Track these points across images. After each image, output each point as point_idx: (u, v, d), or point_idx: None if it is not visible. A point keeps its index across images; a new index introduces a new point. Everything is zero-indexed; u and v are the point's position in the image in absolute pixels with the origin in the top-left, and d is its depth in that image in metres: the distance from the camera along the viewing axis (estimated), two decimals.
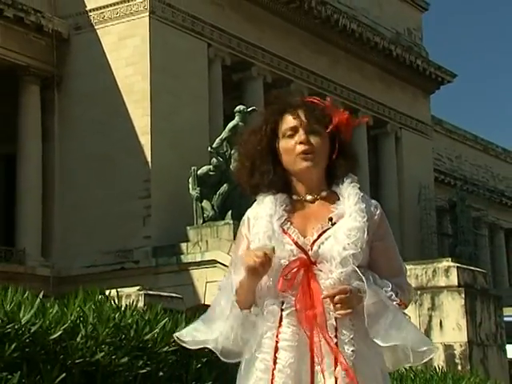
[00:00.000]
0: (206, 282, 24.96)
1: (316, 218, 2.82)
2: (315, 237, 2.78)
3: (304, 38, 34.47)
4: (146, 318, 4.13)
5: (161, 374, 3.99)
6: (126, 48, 28.85)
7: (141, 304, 4.51)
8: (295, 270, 2.72)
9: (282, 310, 2.73)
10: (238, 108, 27.68)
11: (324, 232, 2.78)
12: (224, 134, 27.36)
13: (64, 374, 3.49)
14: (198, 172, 27.04)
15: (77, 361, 3.61)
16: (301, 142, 2.82)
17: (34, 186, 29.32)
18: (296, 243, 2.77)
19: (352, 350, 2.68)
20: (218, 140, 27.41)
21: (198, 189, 26.94)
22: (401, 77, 40.10)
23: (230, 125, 27.43)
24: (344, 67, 36.29)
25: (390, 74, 39.36)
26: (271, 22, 32.99)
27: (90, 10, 29.87)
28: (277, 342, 2.72)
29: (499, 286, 44.11)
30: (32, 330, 3.51)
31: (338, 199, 2.84)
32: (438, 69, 42.06)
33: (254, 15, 32.27)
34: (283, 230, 2.80)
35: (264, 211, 2.84)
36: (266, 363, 2.71)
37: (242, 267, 2.73)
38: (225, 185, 26.62)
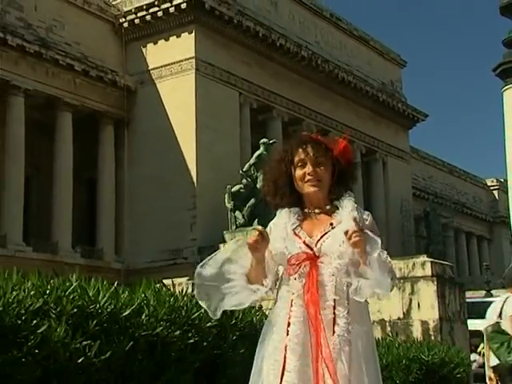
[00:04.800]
0: None
1: (321, 223, 2.83)
2: (319, 237, 2.79)
3: (312, 87, 34.47)
4: (194, 301, 4.13)
5: (205, 344, 3.98)
6: (178, 97, 28.99)
7: (189, 291, 4.50)
8: (302, 260, 2.73)
9: (292, 293, 2.73)
10: (262, 140, 27.70)
11: (326, 233, 2.79)
12: (252, 161, 27.37)
13: (132, 343, 3.50)
14: (232, 190, 27.07)
15: (142, 333, 3.62)
16: (308, 174, 2.84)
17: (110, 201, 29.50)
18: (304, 242, 2.78)
19: (345, 322, 2.67)
20: (247, 165, 27.44)
21: (232, 202, 26.96)
22: (386, 116, 40.00)
23: (256, 153, 27.45)
24: (343, 109, 36.25)
25: (378, 115, 39.27)
26: (287, 75, 33.05)
27: (151, 69, 30.10)
28: (289, 318, 2.71)
29: (462, 275, 43.77)
30: (108, 310, 3.52)
31: (338, 210, 2.85)
32: (414, 110, 41.92)
33: (274, 71, 32.35)
34: (295, 232, 2.81)
35: (281, 220, 2.86)
36: (281, 334, 2.71)
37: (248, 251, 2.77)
38: (252, 199, 26.61)
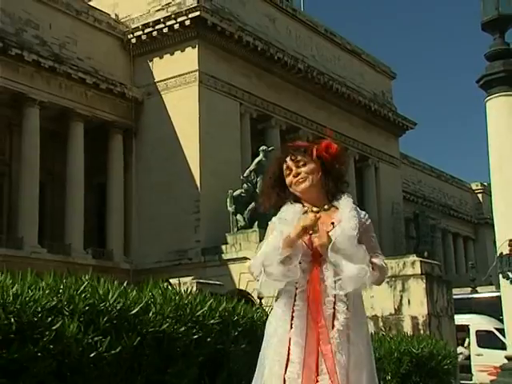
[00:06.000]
0: (240, 273, 24.92)
1: (322, 223, 2.80)
2: None
3: (308, 98, 34.53)
4: (198, 299, 4.13)
5: (208, 339, 3.98)
6: (183, 107, 29.03)
7: (194, 289, 4.50)
8: (306, 255, 2.73)
9: (296, 288, 2.72)
10: (261, 148, 27.74)
11: (328, 232, 2.77)
12: (252, 167, 27.41)
13: (140, 338, 3.51)
14: (234, 194, 27.07)
15: (150, 330, 3.63)
16: (294, 176, 2.85)
17: (119, 205, 29.53)
18: (308, 240, 2.76)
19: (344, 318, 2.68)
20: (247, 171, 27.47)
21: (234, 206, 26.96)
22: (378, 125, 40.04)
23: (256, 160, 27.49)
24: (337, 118, 36.27)
25: (370, 123, 39.31)
26: (285, 87, 33.11)
27: (157, 81, 30.15)
28: (292, 312, 2.71)
29: (449, 274, 43.74)
30: (118, 308, 3.53)
31: (338, 210, 2.84)
32: (403, 119, 41.97)
33: (273, 82, 32.41)
34: None
35: (287, 216, 2.83)
36: (285, 327, 2.71)
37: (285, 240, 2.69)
38: (252, 203, 26.61)
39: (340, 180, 2.90)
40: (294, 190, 2.86)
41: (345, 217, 2.80)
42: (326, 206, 2.86)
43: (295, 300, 2.71)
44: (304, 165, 2.85)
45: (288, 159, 2.88)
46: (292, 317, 2.70)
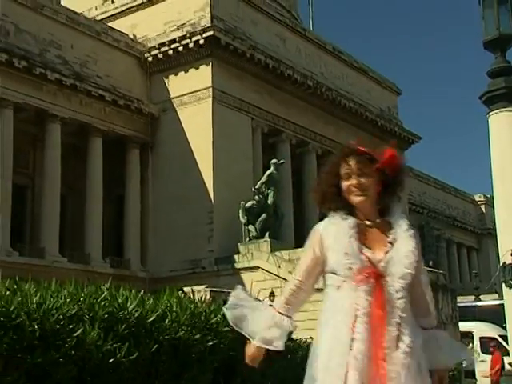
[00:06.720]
0: (252, 282, 24.85)
1: (379, 240, 2.66)
2: (382, 256, 2.62)
3: (317, 113, 34.50)
4: (212, 307, 4.13)
5: (222, 346, 3.98)
6: (197, 122, 29.09)
7: (207, 297, 4.50)
8: (370, 275, 2.58)
9: (357, 309, 2.55)
10: (272, 161, 27.74)
11: (387, 252, 2.64)
12: (263, 179, 27.38)
13: (157, 345, 3.51)
14: (246, 205, 27.05)
15: (166, 336, 3.63)
16: (353, 186, 2.67)
17: (136, 217, 29.56)
18: (370, 260, 2.61)
19: (410, 340, 2.55)
20: (259, 183, 27.45)
21: (246, 217, 26.93)
22: (384, 139, 39.77)
23: (267, 173, 27.48)
24: (345, 133, 36.14)
25: (377, 138, 39.15)
26: (295, 102, 33.11)
27: (173, 98, 30.25)
28: (352, 332, 2.53)
29: (453, 282, 43.39)
30: (136, 315, 3.54)
31: (391, 226, 2.70)
32: (409, 134, 41.81)
33: (283, 98, 32.43)
34: (359, 249, 2.62)
35: (338, 228, 2.65)
36: (345, 349, 2.52)
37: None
38: (264, 214, 26.58)
39: (395, 194, 2.76)
40: (348, 198, 2.69)
41: (402, 235, 2.67)
42: (378, 220, 2.70)
43: (355, 321, 2.54)
44: (367, 175, 2.66)
45: (352, 163, 2.69)
46: (352, 339, 2.52)
